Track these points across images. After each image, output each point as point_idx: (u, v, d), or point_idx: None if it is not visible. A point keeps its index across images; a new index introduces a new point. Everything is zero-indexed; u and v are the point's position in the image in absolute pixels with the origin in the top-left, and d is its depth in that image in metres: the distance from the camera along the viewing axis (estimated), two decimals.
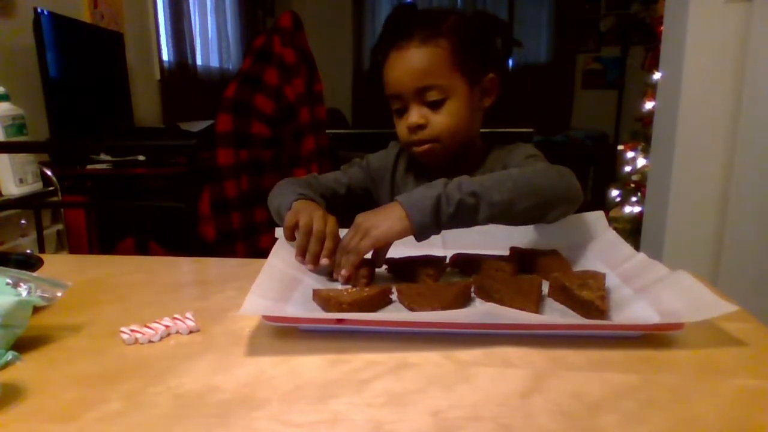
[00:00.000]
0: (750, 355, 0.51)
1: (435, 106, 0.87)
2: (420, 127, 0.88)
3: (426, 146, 0.89)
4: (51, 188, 1.78)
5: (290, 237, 0.75)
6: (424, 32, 0.87)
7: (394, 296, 0.64)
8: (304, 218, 0.73)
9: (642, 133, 2.53)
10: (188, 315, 0.57)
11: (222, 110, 1.81)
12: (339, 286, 0.68)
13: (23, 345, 0.52)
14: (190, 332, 0.56)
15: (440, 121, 0.87)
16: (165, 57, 3.24)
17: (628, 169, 2.61)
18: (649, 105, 2.41)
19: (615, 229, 0.78)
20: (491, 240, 0.80)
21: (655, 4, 2.72)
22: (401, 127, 0.91)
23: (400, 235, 0.69)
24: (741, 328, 0.55)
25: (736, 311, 0.51)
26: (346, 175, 1.01)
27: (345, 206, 0.97)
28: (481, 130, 0.98)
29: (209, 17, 3.81)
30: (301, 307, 0.60)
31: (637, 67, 4.28)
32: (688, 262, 1.73)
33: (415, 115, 0.87)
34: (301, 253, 0.72)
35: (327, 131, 2.01)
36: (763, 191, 1.53)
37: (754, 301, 0.70)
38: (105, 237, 1.99)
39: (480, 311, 0.56)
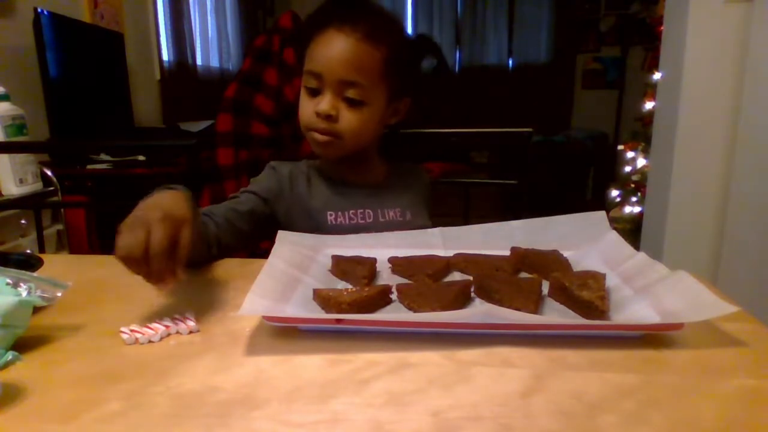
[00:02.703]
0: (750, 355, 0.51)
1: (351, 104, 0.85)
2: (329, 117, 0.85)
3: (328, 138, 0.86)
4: (51, 188, 1.78)
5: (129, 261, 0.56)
6: (370, 29, 0.84)
7: (394, 296, 0.64)
8: (136, 234, 0.55)
9: (642, 133, 2.54)
10: (188, 315, 0.57)
11: (222, 110, 1.81)
12: (339, 286, 0.68)
13: (23, 345, 0.52)
14: (190, 332, 0.56)
15: (350, 121, 0.85)
16: (165, 57, 3.25)
17: (628, 169, 2.61)
18: (649, 105, 2.41)
19: (615, 229, 0.78)
20: (491, 240, 0.80)
21: (655, 4, 2.72)
22: (308, 107, 0.87)
23: None
24: (741, 328, 0.55)
25: (736, 311, 0.51)
26: (246, 204, 0.89)
27: (247, 240, 0.91)
28: (481, 130, 0.99)
29: (209, 17, 3.81)
30: (301, 307, 0.60)
31: (637, 67, 4.29)
32: (688, 262, 1.73)
33: (329, 104, 0.84)
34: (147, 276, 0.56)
35: None
36: (763, 191, 1.53)
37: (754, 301, 0.70)
38: (105, 237, 1.99)
39: (480, 311, 0.56)
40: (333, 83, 0.84)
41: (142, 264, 0.55)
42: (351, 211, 0.91)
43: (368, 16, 0.86)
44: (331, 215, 0.91)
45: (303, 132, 0.90)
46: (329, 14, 0.86)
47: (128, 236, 0.55)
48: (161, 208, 0.58)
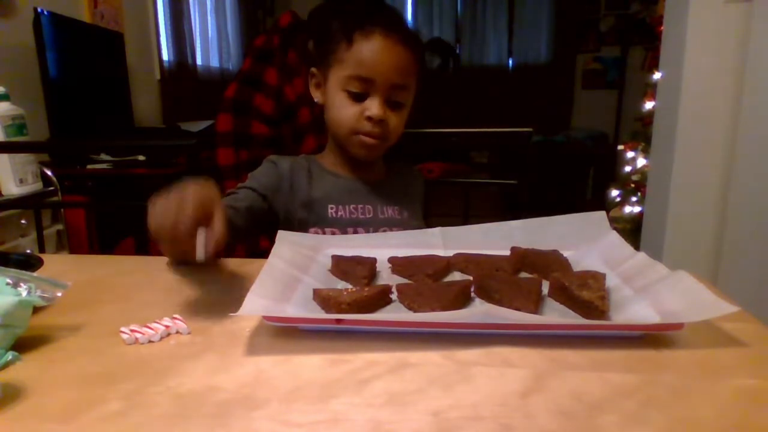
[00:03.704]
0: (750, 355, 0.51)
1: (394, 106, 0.88)
2: (381, 121, 0.87)
3: (377, 141, 0.88)
4: (51, 188, 1.78)
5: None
6: (408, 34, 0.87)
7: (394, 296, 0.64)
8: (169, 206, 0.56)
9: (642, 133, 2.53)
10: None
11: (222, 110, 1.81)
12: (339, 286, 0.68)
13: (23, 345, 0.52)
14: (190, 332, 0.56)
15: (396, 122, 0.89)
16: (165, 57, 3.25)
17: (628, 169, 2.61)
18: (649, 105, 2.41)
19: (615, 229, 0.78)
20: (491, 240, 0.80)
21: (655, 4, 2.72)
22: (353, 112, 0.87)
23: None
24: (741, 328, 0.55)
25: (736, 311, 0.51)
26: (244, 201, 0.87)
27: (244, 237, 0.91)
28: (481, 130, 1.01)
29: (209, 17, 3.81)
30: (301, 307, 0.60)
31: (637, 67, 4.29)
32: (688, 262, 1.73)
33: (381, 108, 0.86)
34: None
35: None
36: (763, 191, 1.53)
37: (754, 301, 0.70)
38: (105, 237, 1.99)
39: (480, 311, 0.56)
40: (384, 87, 0.86)
41: (170, 238, 0.56)
42: (351, 206, 0.92)
43: (402, 20, 0.90)
44: (332, 208, 0.92)
45: (342, 135, 0.91)
46: (369, 18, 0.87)
47: (160, 207, 0.56)
48: (192, 189, 0.57)
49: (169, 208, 0.56)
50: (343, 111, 0.88)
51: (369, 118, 0.86)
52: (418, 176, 1.07)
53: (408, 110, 0.91)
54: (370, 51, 0.85)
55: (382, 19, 0.87)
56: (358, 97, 0.87)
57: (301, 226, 0.90)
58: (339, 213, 0.92)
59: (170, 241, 0.57)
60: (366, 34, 0.85)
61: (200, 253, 0.56)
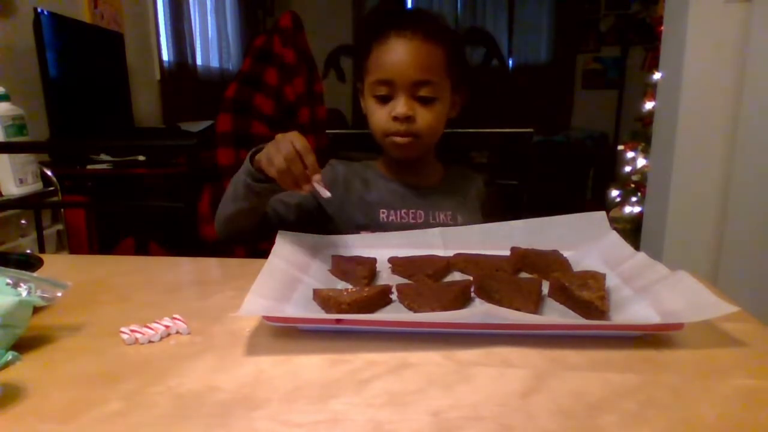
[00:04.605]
0: (750, 355, 0.51)
1: (424, 102, 0.88)
2: (408, 118, 0.88)
3: (408, 139, 0.89)
4: (51, 188, 1.78)
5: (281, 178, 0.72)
6: (428, 29, 0.88)
7: (394, 296, 0.64)
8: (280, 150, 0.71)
9: (642, 133, 2.53)
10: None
11: (222, 110, 1.81)
12: (339, 286, 0.68)
13: (23, 345, 0.52)
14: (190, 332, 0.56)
15: (427, 118, 0.89)
16: (165, 57, 3.24)
17: (628, 169, 2.61)
18: (649, 105, 2.41)
19: (615, 229, 0.78)
20: (491, 240, 0.80)
21: (655, 4, 2.72)
22: (382, 115, 0.90)
23: None
24: (741, 328, 0.55)
25: (736, 311, 0.51)
26: (295, 198, 0.91)
27: (294, 230, 0.90)
28: (482, 130, 1.00)
29: (209, 17, 3.81)
30: (301, 308, 0.60)
31: (637, 67, 4.28)
32: (688, 262, 1.73)
33: (406, 106, 0.87)
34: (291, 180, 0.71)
35: (327, 131, 2.01)
36: (763, 191, 1.53)
37: (754, 301, 0.70)
38: (105, 237, 1.99)
39: (480, 311, 0.56)
40: (406, 86, 0.87)
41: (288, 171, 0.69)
42: (403, 211, 0.93)
43: (421, 17, 0.91)
44: (383, 213, 0.93)
45: (379, 140, 0.93)
46: (384, 23, 0.89)
47: (272, 150, 0.71)
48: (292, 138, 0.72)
49: (287, 157, 0.69)
50: (374, 116, 0.91)
51: (396, 118, 0.88)
52: (477, 180, 1.06)
53: (444, 105, 0.91)
54: (385, 53, 0.88)
55: (396, 22, 0.89)
56: (385, 100, 0.89)
57: (354, 229, 0.92)
58: (390, 217, 0.93)
59: (293, 183, 0.71)
60: (380, 39, 0.88)
61: (326, 192, 0.72)
